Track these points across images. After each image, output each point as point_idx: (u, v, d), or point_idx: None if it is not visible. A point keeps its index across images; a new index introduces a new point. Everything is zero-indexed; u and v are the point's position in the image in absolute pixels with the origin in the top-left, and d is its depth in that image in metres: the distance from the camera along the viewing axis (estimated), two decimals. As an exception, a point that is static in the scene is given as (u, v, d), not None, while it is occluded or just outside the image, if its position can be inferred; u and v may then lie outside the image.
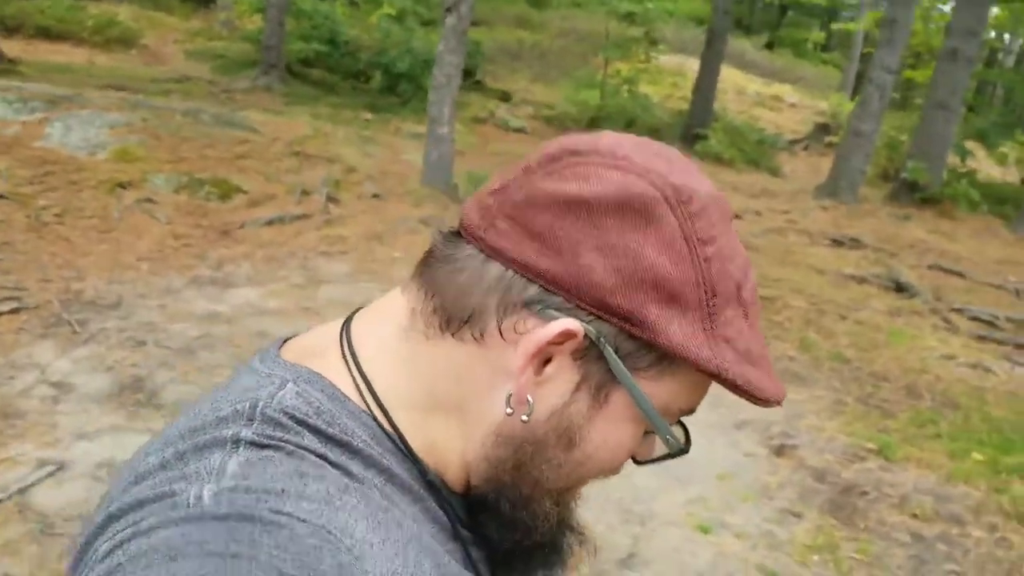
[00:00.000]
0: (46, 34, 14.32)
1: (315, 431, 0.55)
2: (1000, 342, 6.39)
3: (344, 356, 0.60)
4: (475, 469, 0.61)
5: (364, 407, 0.58)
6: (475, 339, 0.57)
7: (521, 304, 0.56)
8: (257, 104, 11.37)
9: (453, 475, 0.62)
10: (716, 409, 4.59)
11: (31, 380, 3.90)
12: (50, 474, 3.15)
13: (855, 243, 9.17)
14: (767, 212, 10.34)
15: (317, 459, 0.53)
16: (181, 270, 5.65)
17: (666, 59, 21.25)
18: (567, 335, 0.55)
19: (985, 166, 16.60)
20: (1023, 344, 6.32)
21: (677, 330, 0.55)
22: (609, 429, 0.59)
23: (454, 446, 0.60)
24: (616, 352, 0.55)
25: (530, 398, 0.57)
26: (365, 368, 0.59)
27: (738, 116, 16.79)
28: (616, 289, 0.54)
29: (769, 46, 30.43)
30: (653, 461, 0.64)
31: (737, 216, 9.78)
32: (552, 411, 0.58)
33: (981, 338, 6.47)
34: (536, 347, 0.55)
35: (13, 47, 12.38)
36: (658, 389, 0.57)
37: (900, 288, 7.55)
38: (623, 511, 3.45)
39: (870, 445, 4.33)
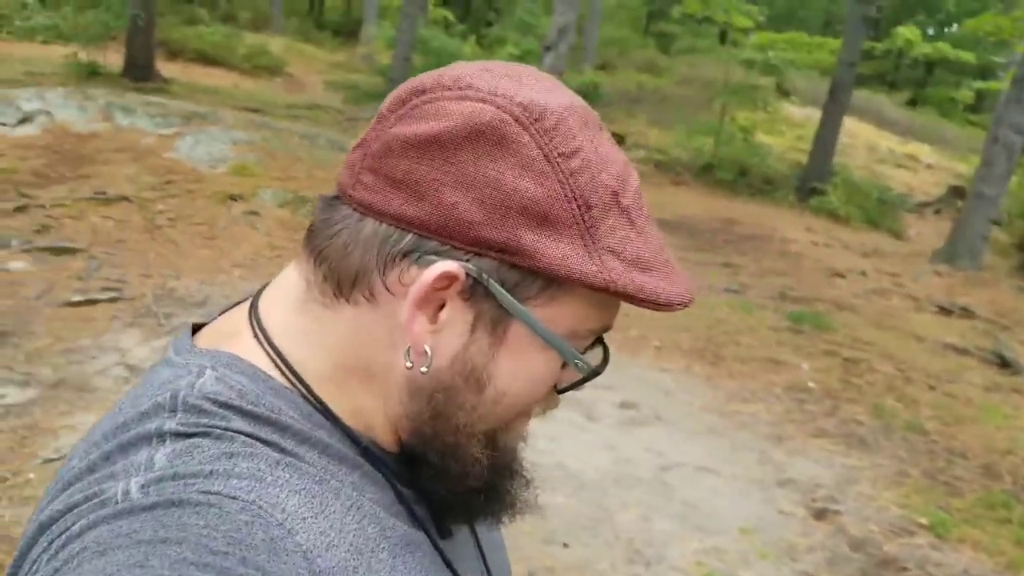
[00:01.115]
0: (203, 59, 15.70)
1: (241, 412, 0.55)
2: (1106, 430, 5.87)
3: (256, 336, 0.60)
4: (400, 426, 0.61)
5: (286, 384, 0.58)
6: (367, 299, 0.57)
7: (400, 256, 0.55)
8: (376, 132, 11.95)
9: (384, 436, 0.62)
10: (761, 465, 4.48)
11: (110, 362, 4.29)
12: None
13: (965, 313, 8.65)
14: (873, 273, 9.90)
15: (246, 439, 0.53)
16: (268, 278, 5.91)
17: (796, 111, 20.83)
18: (447, 278, 0.54)
19: None
20: None
21: (556, 251, 0.54)
22: (516, 363, 0.58)
23: (376, 407, 0.60)
24: (502, 285, 0.55)
25: (428, 348, 0.56)
26: (277, 344, 0.60)
27: (863, 172, 16.17)
28: (485, 222, 0.53)
29: (912, 103, 29.22)
30: (571, 387, 0.63)
31: (840, 275, 9.46)
32: (455, 356, 0.57)
33: (1086, 424, 5.96)
34: (418, 296, 0.55)
35: (172, 69, 13.60)
36: (555, 314, 0.57)
37: (1004, 363, 7.06)
38: (632, 551, 3.42)
39: (923, 520, 4.10)
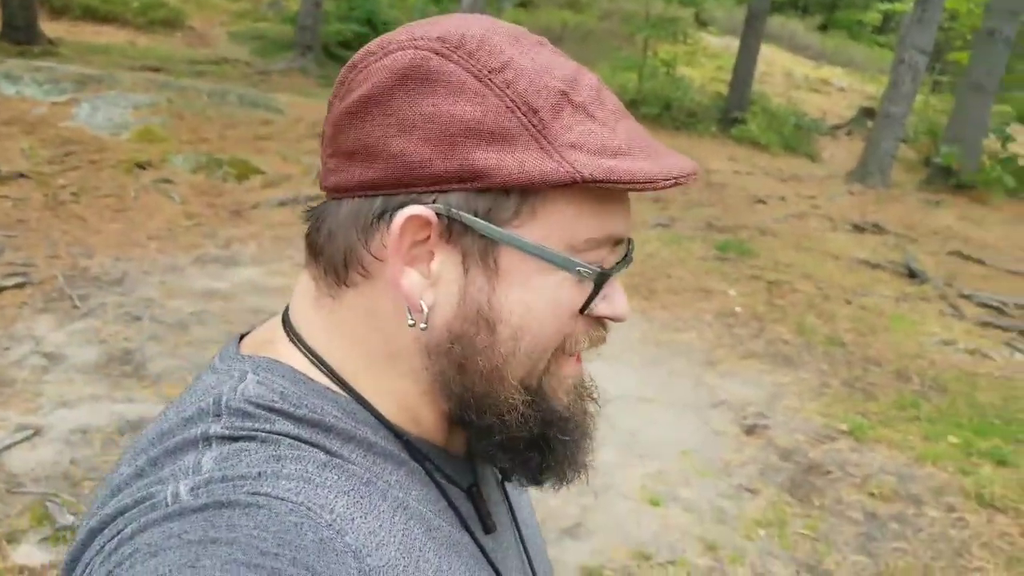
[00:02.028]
0: (92, 15, 14.63)
1: (285, 415, 0.55)
2: (1005, 328, 6.25)
3: (292, 341, 0.61)
4: (438, 395, 0.60)
5: (327, 384, 0.59)
6: (363, 276, 0.57)
7: (374, 220, 0.55)
8: (290, 86, 11.61)
9: (430, 420, 0.61)
10: (695, 390, 4.63)
11: (25, 351, 4.13)
12: (26, 438, 3.35)
13: (877, 229, 9.00)
14: (792, 197, 10.19)
15: (292, 441, 0.54)
16: (188, 249, 5.86)
17: (717, 41, 20.97)
18: (416, 224, 0.54)
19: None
20: (1032, 331, 6.16)
21: (513, 162, 0.53)
22: (523, 293, 0.56)
23: (412, 389, 0.60)
24: (475, 214, 0.54)
25: (424, 304, 0.56)
26: (311, 346, 0.60)
27: (780, 100, 16.48)
28: (435, 157, 0.53)
29: (823, 28, 29.70)
30: (589, 301, 0.58)
31: (761, 202, 9.70)
32: (458, 302, 0.56)
33: (986, 324, 6.34)
34: (397, 251, 0.54)
35: (58, 28, 12.78)
36: (542, 228, 0.55)
37: (912, 274, 7.41)
38: (580, 483, 3.51)
39: (844, 426, 4.32)
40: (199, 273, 5.46)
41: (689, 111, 14.48)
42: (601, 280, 0.57)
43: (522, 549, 0.72)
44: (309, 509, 0.49)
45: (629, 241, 0.63)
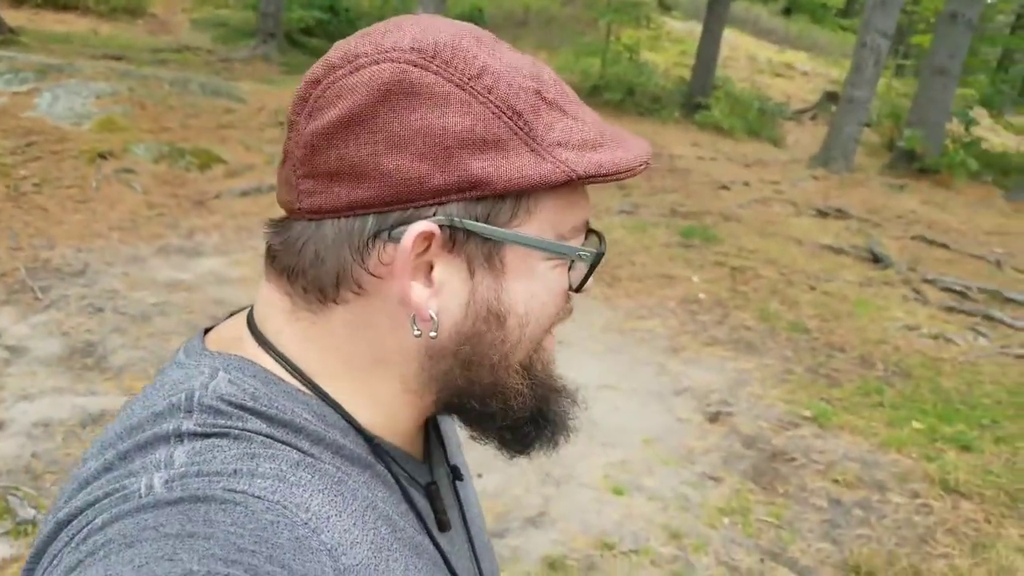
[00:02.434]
0: (53, 3, 14.43)
1: (256, 414, 0.55)
2: (969, 313, 6.38)
3: (260, 344, 0.61)
4: (429, 393, 0.62)
5: (297, 386, 0.59)
6: (356, 294, 0.58)
7: (370, 240, 0.55)
8: (252, 74, 11.46)
9: (406, 420, 0.63)
10: (658, 377, 4.68)
11: (-13, 344, 4.07)
12: (-12, 432, 3.32)
13: (840, 214, 9.13)
14: (756, 182, 10.29)
15: (265, 439, 0.54)
16: (151, 239, 5.79)
17: (680, 25, 21.02)
18: (425, 238, 0.55)
19: (1002, 136, 16.34)
20: (991, 315, 6.30)
21: (508, 167, 0.54)
22: (528, 284, 0.59)
23: (394, 389, 0.61)
24: (476, 221, 0.56)
25: (433, 314, 0.57)
26: (281, 351, 0.60)
27: (744, 85, 16.59)
28: (432, 171, 0.54)
29: (787, 12, 29.89)
30: (586, 279, 0.64)
31: (725, 187, 9.78)
32: (466, 305, 0.58)
33: (949, 309, 6.46)
34: (405, 266, 0.55)
35: (19, 17, 12.53)
36: (539, 225, 0.58)
37: (876, 259, 7.53)
38: (543, 474, 3.55)
39: (807, 413, 4.40)
40: (162, 264, 5.40)
41: (653, 96, 14.52)
42: (597, 261, 0.62)
43: (471, 549, 0.73)
44: (285, 508, 0.50)
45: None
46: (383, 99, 0.54)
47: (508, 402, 0.62)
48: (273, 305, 0.61)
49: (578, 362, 4.72)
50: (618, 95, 13.98)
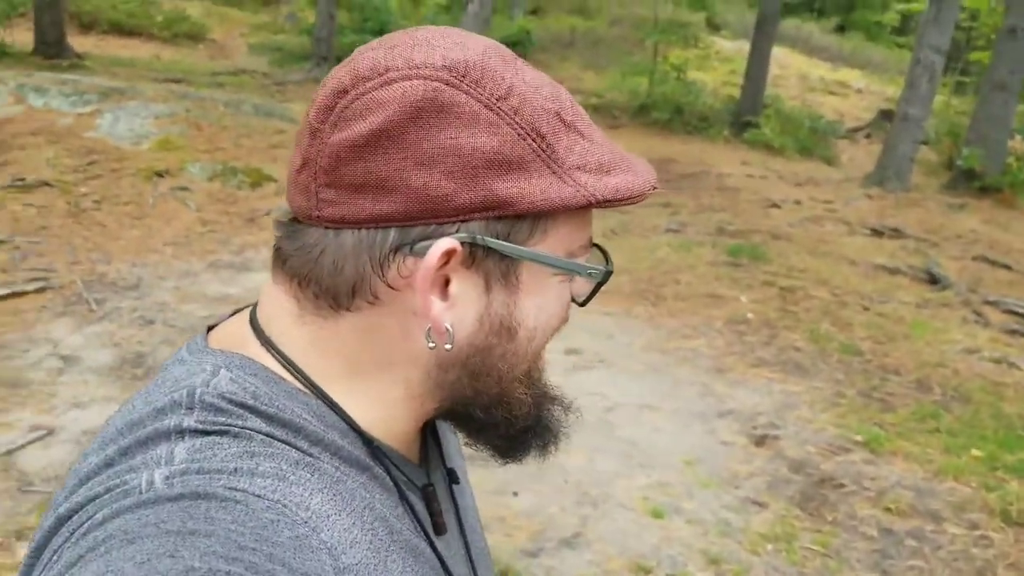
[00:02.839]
0: (119, 30, 14.99)
1: (257, 413, 0.56)
2: (1031, 336, 6.15)
3: (263, 344, 0.61)
4: (432, 400, 0.62)
5: (298, 386, 0.59)
6: (370, 303, 0.58)
7: (391, 252, 0.56)
8: (304, 96, 11.69)
9: (405, 423, 0.63)
10: (702, 398, 4.60)
11: (43, 354, 4.19)
12: (39, 438, 3.41)
13: (896, 233, 8.90)
14: (807, 201, 10.10)
15: (264, 438, 0.54)
16: (203, 255, 5.92)
17: (730, 44, 20.88)
18: (448, 255, 0.55)
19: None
20: (1055, 339, 6.06)
21: (531, 189, 0.55)
22: (537, 299, 0.61)
23: (396, 394, 0.61)
24: (497, 238, 0.57)
25: (448, 326, 0.58)
26: (284, 352, 0.60)
27: (795, 103, 16.37)
28: (458, 190, 0.54)
29: (841, 29, 29.46)
30: (593, 295, 0.66)
31: (775, 206, 9.63)
32: (480, 319, 0.59)
33: (1012, 332, 6.23)
34: (427, 281, 0.56)
35: (86, 43, 13.02)
36: (553, 244, 0.59)
37: (933, 280, 7.31)
38: (580, 494, 3.50)
39: (858, 438, 4.27)
40: (212, 278, 5.51)
41: (701, 115, 14.41)
42: (607, 277, 0.63)
43: (467, 553, 0.73)
44: (285, 507, 0.50)
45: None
46: (415, 116, 0.54)
47: (512, 412, 0.63)
48: (280, 307, 0.61)
49: (614, 381, 4.67)
50: (666, 114, 13.91)
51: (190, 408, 0.54)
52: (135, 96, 8.54)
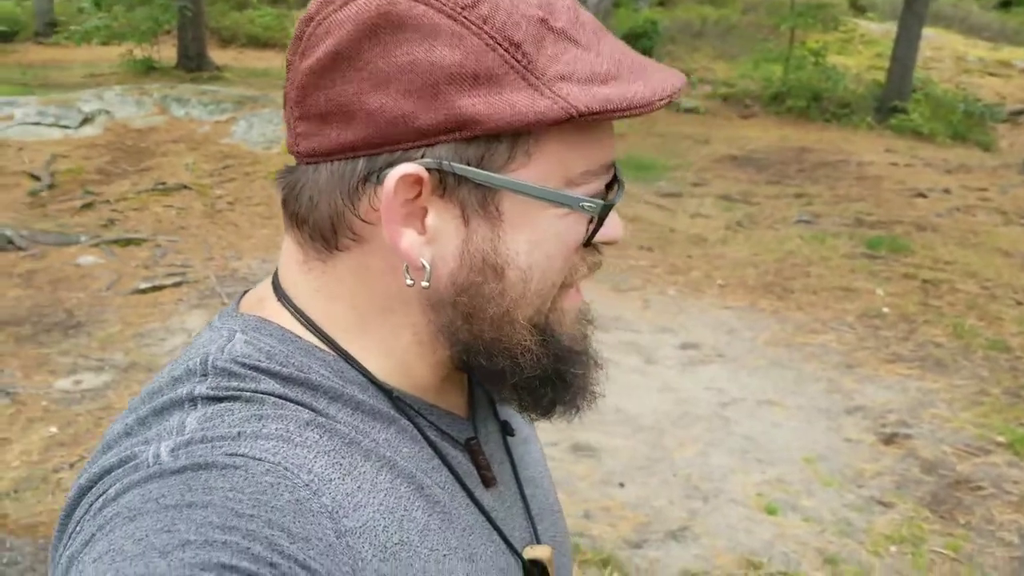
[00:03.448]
0: (255, 43, 15.89)
1: (271, 374, 0.55)
2: None
3: (279, 299, 0.60)
4: (441, 346, 0.59)
5: (315, 342, 0.58)
6: (353, 240, 0.55)
7: (359, 183, 0.53)
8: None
9: (422, 371, 0.60)
10: (828, 394, 4.35)
11: (178, 343, 4.48)
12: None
13: (1059, 221, 8.10)
14: (958, 189, 9.36)
15: (277, 400, 0.53)
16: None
17: (876, 27, 19.71)
18: (414, 183, 0.52)
19: None
20: None
21: (501, 104, 0.50)
22: (529, 234, 0.55)
23: (406, 340, 0.59)
24: (468, 164, 0.52)
25: (425, 262, 0.54)
26: (299, 304, 0.59)
27: (948, 86, 15.24)
28: (418, 109, 0.50)
29: (1005, 5, 27.21)
30: (594, 233, 0.58)
31: (921, 195, 9.00)
32: (460, 255, 0.55)
33: None
34: (390, 212, 0.52)
35: (225, 56, 13.91)
36: (539, 168, 0.53)
37: (1102, 270, 6.60)
38: (689, 487, 3.38)
39: (1001, 439, 3.90)
40: (334, 275, 5.73)
41: (841, 102, 13.65)
42: (604, 213, 0.56)
43: (524, 508, 0.69)
44: (286, 469, 0.49)
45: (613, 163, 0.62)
46: (369, 34, 0.50)
47: (516, 359, 0.58)
48: (289, 255, 0.60)
49: (737, 377, 4.48)
50: (802, 102, 13.29)
51: (204, 375, 0.54)
52: (267, 104, 9.01)
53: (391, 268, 0.56)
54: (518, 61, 0.50)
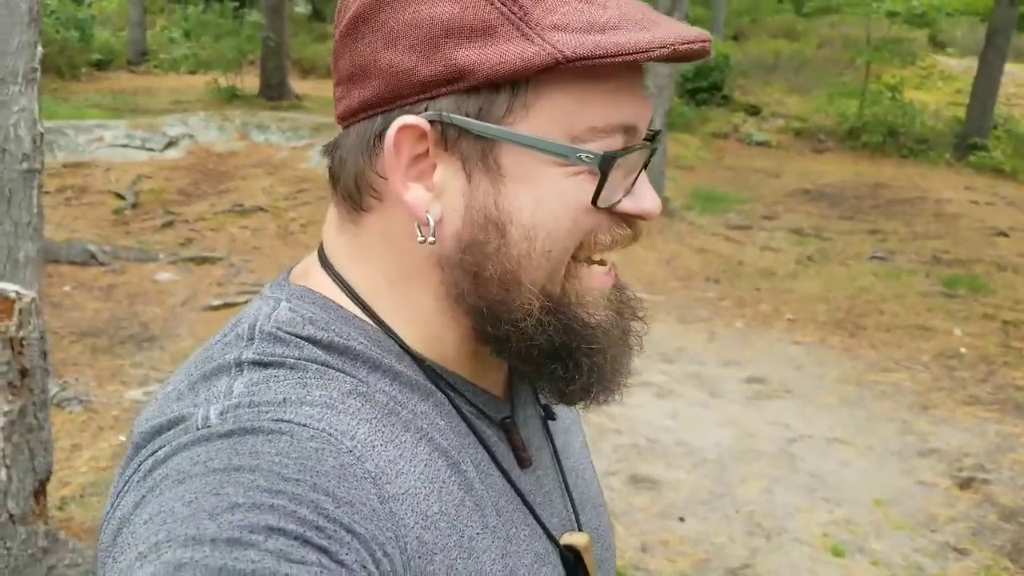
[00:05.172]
0: (335, 73, 16.39)
1: (314, 342, 0.55)
2: None
3: (323, 268, 0.61)
4: (457, 311, 0.58)
5: (355, 312, 0.58)
6: (376, 199, 0.57)
7: (375, 139, 0.55)
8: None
9: (451, 341, 0.60)
10: (901, 436, 4.19)
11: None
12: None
13: None
14: (1043, 228, 9.00)
15: (319, 367, 0.54)
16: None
17: (956, 63, 19.21)
18: (411, 134, 0.53)
19: None
20: None
21: (495, 54, 0.51)
22: (531, 190, 0.54)
23: (432, 307, 0.59)
24: (468, 115, 0.53)
25: (430, 217, 0.54)
26: (340, 272, 0.60)
27: (1032, 122, 14.71)
28: (419, 62, 0.52)
29: (1094, 42, 26.19)
30: (599, 190, 0.55)
31: (1003, 234, 8.68)
32: (465, 209, 0.55)
33: None
34: (393, 164, 0.53)
35: (305, 86, 14.33)
36: (539, 121, 0.53)
37: None
38: (752, 524, 3.29)
39: (1090, 489, 3.69)
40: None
41: (918, 138, 13.30)
42: (605, 166, 0.53)
43: (565, 491, 0.68)
44: (330, 435, 0.50)
45: (656, 133, 0.60)
46: None
47: (517, 323, 0.56)
48: (330, 221, 0.62)
49: (804, 414, 4.36)
50: (878, 137, 13.00)
51: (250, 340, 0.55)
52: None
53: (409, 228, 0.56)
54: (514, 13, 0.51)
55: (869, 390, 4.76)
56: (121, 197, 7.19)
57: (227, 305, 5.28)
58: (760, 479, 3.67)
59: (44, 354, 2.58)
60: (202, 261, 6.03)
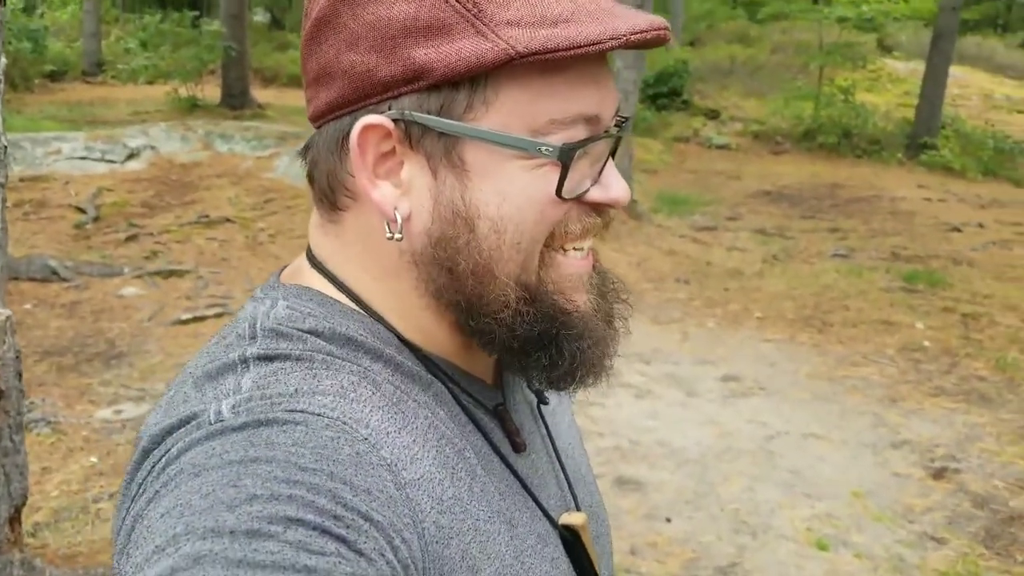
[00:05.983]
0: (297, 83, 16.22)
1: (316, 334, 0.56)
2: None
3: (313, 267, 0.62)
4: (442, 306, 0.59)
5: (350, 306, 0.59)
6: (350, 198, 0.58)
7: (343, 139, 0.56)
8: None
9: (441, 334, 0.61)
10: (873, 428, 4.29)
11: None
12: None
13: (1101, 256, 7.98)
14: (993, 224, 9.28)
15: (326, 357, 0.55)
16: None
17: (903, 66, 19.72)
18: (375, 133, 0.54)
19: None
20: None
21: (451, 52, 0.52)
22: (496, 184, 0.55)
23: (417, 302, 0.59)
24: (429, 113, 0.54)
25: (398, 214, 0.56)
26: (330, 269, 0.61)
27: (975, 122, 15.18)
28: (380, 63, 0.53)
29: (1031, 44, 27.09)
30: (562, 181, 0.55)
31: (956, 230, 8.93)
32: (433, 206, 0.56)
33: None
34: (358, 163, 0.54)
35: (267, 95, 14.18)
36: (499, 117, 0.53)
37: None
38: (737, 522, 3.33)
39: (1055, 474, 3.82)
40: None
41: (871, 139, 13.66)
42: (566, 157, 0.54)
43: (561, 473, 0.70)
44: (345, 424, 0.50)
45: (625, 120, 0.61)
46: None
47: (496, 315, 0.57)
48: (314, 221, 0.63)
49: (780, 411, 4.43)
50: (832, 138, 13.31)
51: (252, 338, 0.56)
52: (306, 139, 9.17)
53: (383, 229, 0.57)
54: (468, 10, 0.52)
55: (840, 385, 4.86)
56: (82, 211, 7.02)
57: (197, 319, 5.19)
58: (741, 477, 3.72)
59: (19, 374, 2.52)
60: (169, 274, 5.92)
